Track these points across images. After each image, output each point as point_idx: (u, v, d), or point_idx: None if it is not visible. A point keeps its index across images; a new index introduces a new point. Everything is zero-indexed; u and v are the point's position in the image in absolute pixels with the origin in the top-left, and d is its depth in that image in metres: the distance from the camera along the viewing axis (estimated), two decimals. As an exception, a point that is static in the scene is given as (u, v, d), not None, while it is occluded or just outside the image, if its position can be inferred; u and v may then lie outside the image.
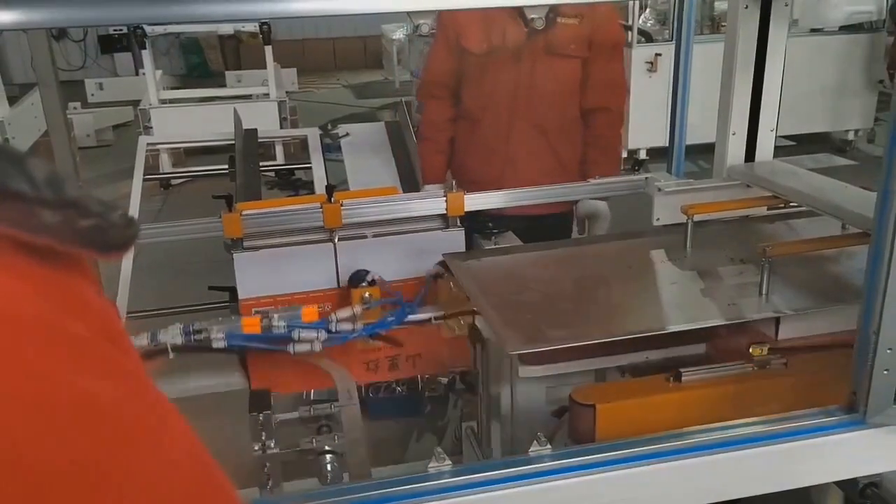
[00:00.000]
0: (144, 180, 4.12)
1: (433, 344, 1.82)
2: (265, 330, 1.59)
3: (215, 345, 1.58)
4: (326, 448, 1.58)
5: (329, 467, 1.56)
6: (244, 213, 1.87)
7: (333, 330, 1.63)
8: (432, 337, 1.81)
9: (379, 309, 1.72)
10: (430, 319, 1.73)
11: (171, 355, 1.58)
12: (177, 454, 0.43)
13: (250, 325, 1.59)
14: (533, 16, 1.71)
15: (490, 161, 2.46)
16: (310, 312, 1.62)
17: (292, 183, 6.13)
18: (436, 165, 2.59)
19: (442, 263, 1.80)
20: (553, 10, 2.30)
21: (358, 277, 1.81)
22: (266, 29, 6.32)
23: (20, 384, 0.36)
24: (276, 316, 1.60)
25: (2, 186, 0.37)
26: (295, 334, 1.59)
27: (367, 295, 1.72)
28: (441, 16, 2.44)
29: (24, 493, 0.34)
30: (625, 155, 6.77)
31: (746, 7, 1.88)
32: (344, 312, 1.66)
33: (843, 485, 1.61)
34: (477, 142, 2.52)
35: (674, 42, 2.25)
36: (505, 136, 2.46)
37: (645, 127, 6.36)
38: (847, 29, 6.64)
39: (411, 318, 1.72)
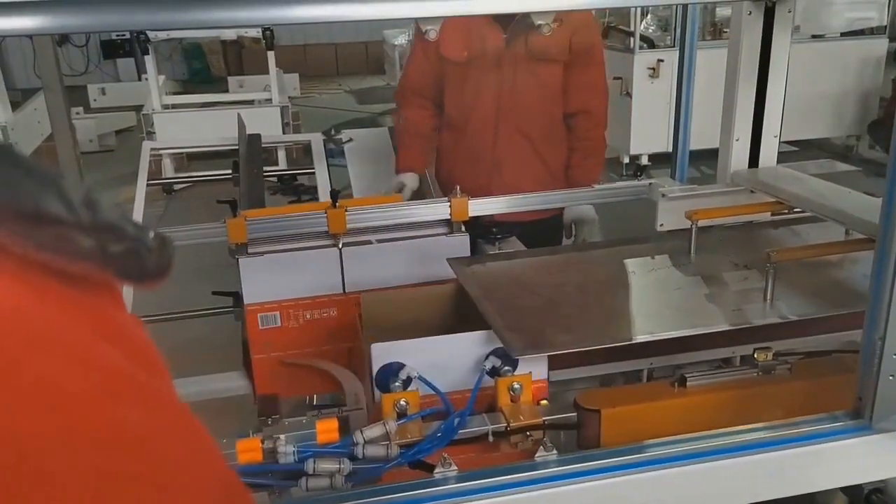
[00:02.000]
0: (147, 185, 4.14)
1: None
2: (267, 457, 1.20)
3: None
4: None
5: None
6: (249, 218, 1.87)
7: (360, 456, 1.21)
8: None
9: (419, 424, 1.30)
10: (487, 435, 1.30)
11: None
12: (206, 483, 0.43)
13: (248, 450, 1.18)
14: (540, 22, 1.71)
15: (477, 168, 2.46)
16: (326, 429, 1.22)
17: (295, 188, 6.15)
18: (415, 151, 2.59)
19: (497, 353, 1.42)
20: (531, 15, 2.31)
21: (387, 373, 1.38)
22: (269, 34, 6.34)
23: (53, 412, 0.35)
24: (282, 439, 1.21)
25: (39, 210, 0.37)
26: (308, 466, 1.19)
27: (402, 403, 1.31)
28: (418, 24, 2.43)
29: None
30: (626, 160, 6.79)
31: (750, 13, 1.88)
32: (373, 431, 1.23)
33: (848, 490, 1.61)
34: (462, 150, 2.52)
35: (676, 48, 2.26)
36: (490, 143, 2.46)
37: (647, 132, 6.38)
38: (849, 35, 6.65)
39: (463, 433, 1.28)
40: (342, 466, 1.19)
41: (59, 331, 0.38)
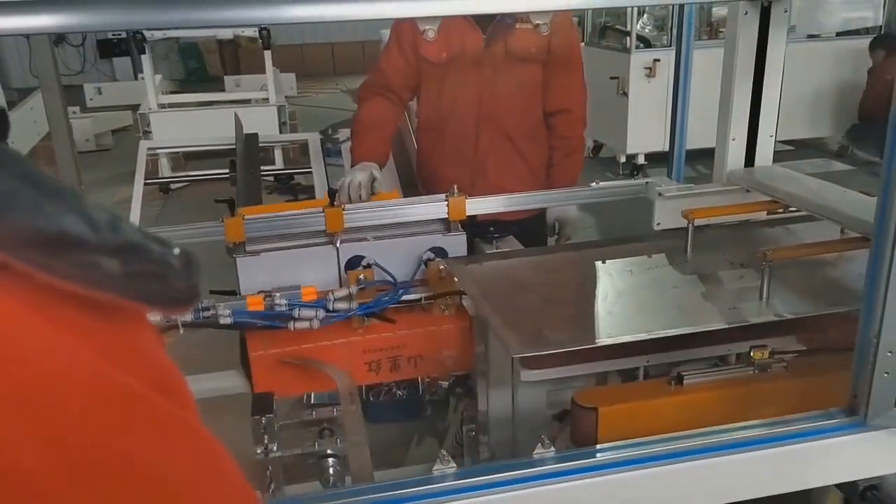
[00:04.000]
0: (144, 185, 4.14)
1: (434, 345, 1.82)
2: (268, 308, 1.69)
3: (222, 321, 1.67)
4: (328, 451, 1.57)
5: (331, 471, 1.56)
6: (246, 217, 1.88)
7: (331, 308, 1.71)
8: (433, 338, 1.81)
9: (374, 290, 1.80)
10: (420, 299, 1.82)
11: (182, 331, 1.66)
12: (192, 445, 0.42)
13: (254, 303, 1.70)
14: (538, 21, 1.71)
15: (460, 169, 2.44)
16: (309, 292, 1.73)
17: (292, 187, 6.15)
18: (376, 141, 2.41)
19: (434, 250, 1.91)
20: (511, 15, 2.31)
21: (354, 262, 1.90)
22: (265, 34, 6.34)
23: (65, 444, 0.35)
24: (277, 295, 1.70)
25: (63, 232, 0.35)
26: (295, 312, 1.67)
27: (361, 277, 1.80)
28: (396, 23, 2.41)
29: None
30: (623, 160, 6.81)
31: (746, 13, 1.89)
32: (341, 292, 1.75)
33: (843, 487, 1.61)
34: (444, 151, 2.50)
35: (673, 48, 2.26)
36: (472, 144, 2.45)
37: (643, 132, 6.39)
38: (844, 35, 6.67)
39: (405, 297, 1.81)
40: (317, 314, 1.68)
41: (79, 361, 0.37)
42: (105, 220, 0.36)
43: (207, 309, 1.68)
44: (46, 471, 0.33)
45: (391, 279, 1.85)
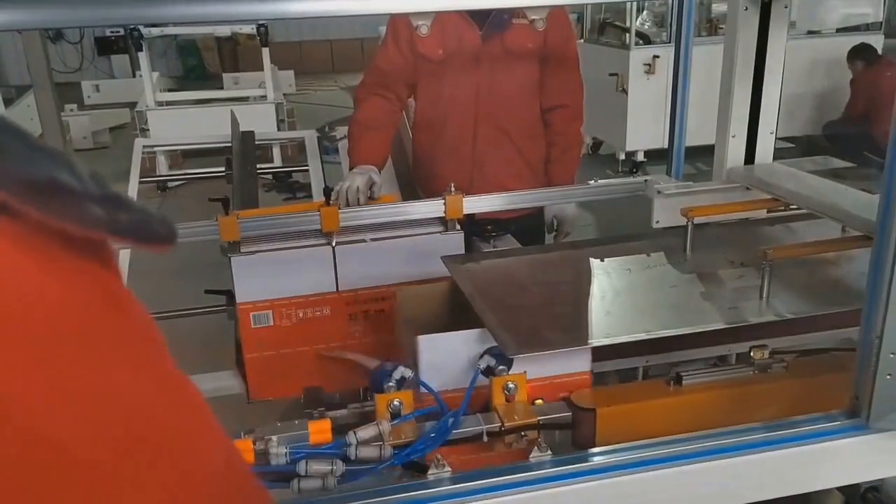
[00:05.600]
0: (141, 182, 4.12)
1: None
2: (259, 457, 1.19)
3: None
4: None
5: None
6: (241, 216, 1.86)
7: (353, 457, 1.21)
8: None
9: (413, 425, 1.29)
10: (482, 435, 1.28)
11: None
12: (214, 463, 0.43)
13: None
14: (534, 17, 1.69)
15: (457, 167, 2.42)
16: (320, 430, 1.22)
17: (289, 185, 6.13)
18: (376, 143, 2.35)
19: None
20: (507, 11, 2.29)
21: (381, 376, 1.36)
22: (263, 31, 6.32)
23: (58, 379, 0.36)
24: (273, 440, 1.20)
25: (53, 180, 0.38)
26: (300, 467, 1.18)
27: (396, 402, 1.29)
28: (393, 19, 2.39)
29: (44, 482, 0.34)
30: (622, 157, 6.79)
31: (746, 9, 1.87)
32: (366, 431, 1.23)
33: (845, 490, 1.60)
34: (442, 149, 2.48)
35: (672, 44, 2.24)
36: (470, 141, 2.44)
37: (642, 129, 6.37)
38: (844, 31, 6.65)
39: (457, 433, 1.27)
40: (334, 468, 1.18)
41: (68, 307, 0.39)
42: (88, 174, 0.40)
43: None
44: (28, 394, 0.35)
45: (437, 401, 1.33)
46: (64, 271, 0.39)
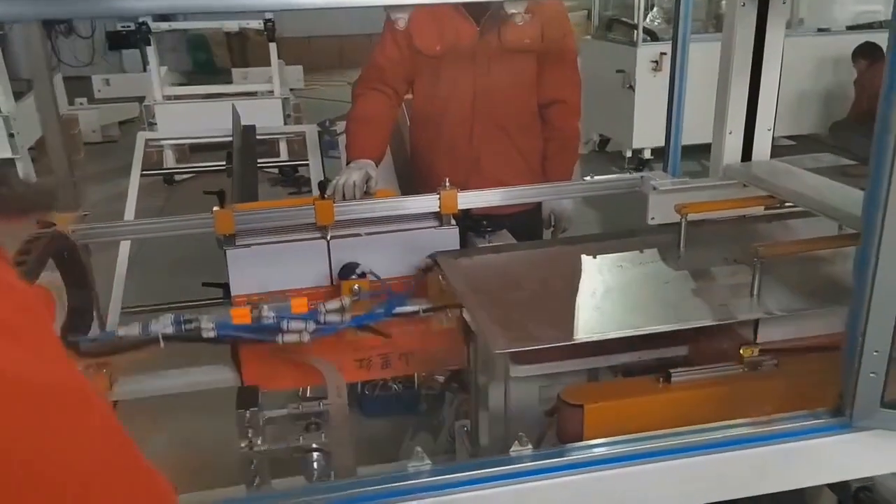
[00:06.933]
0: (146, 176, 4.14)
1: (426, 342, 1.81)
2: (255, 321, 1.60)
3: (205, 335, 1.58)
4: (313, 446, 1.56)
5: (315, 465, 1.55)
6: (237, 209, 1.86)
7: (322, 321, 1.63)
8: (425, 334, 1.80)
9: (368, 301, 1.72)
10: (418, 311, 1.73)
11: (162, 345, 1.58)
12: (99, 438, 0.44)
13: (240, 315, 1.60)
14: (513, 11, 1.68)
15: (455, 162, 2.42)
16: (299, 304, 1.63)
17: (296, 180, 6.14)
18: (374, 138, 2.36)
19: (432, 257, 1.80)
20: (504, 5, 2.28)
21: (348, 270, 1.81)
22: (270, 25, 6.33)
23: None
24: (265, 307, 1.61)
25: None
26: (283, 325, 1.59)
27: (356, 287, 1.73)
28: (390, 14, 2.38)
29: None
30: (629, 154, 6.76)
31: (744, 5, 1.86)
32: (333, 304, 1.66)
33: (836, 488, 1.59)
34: (439, 144, 2.47)
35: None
36: (467, 137, 2.43)
37: (649, 126, 6.34)
38: (854, 29, 6.59)
39: (399, 310, 1.72)
40: (307, 326, 1.60)
41: None
42: None
43: (190, 322, 1.58)
44: None
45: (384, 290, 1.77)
46: None
